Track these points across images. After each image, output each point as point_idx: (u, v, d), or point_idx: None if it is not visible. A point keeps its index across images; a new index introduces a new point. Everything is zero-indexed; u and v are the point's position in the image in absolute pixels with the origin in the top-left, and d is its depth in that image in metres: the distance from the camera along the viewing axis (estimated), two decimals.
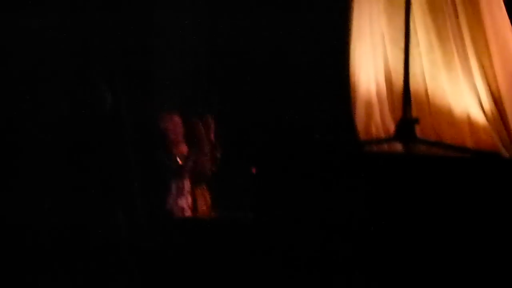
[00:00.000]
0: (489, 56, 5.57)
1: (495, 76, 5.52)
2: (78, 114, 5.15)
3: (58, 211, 5.03)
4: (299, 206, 4.87)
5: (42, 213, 4.96)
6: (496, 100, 5.49)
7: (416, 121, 5.17)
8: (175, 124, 5.53)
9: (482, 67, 5.55)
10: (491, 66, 5.56)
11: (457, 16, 5.58)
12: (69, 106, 5.12)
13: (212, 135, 5.65)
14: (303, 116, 5.90)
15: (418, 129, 5.26)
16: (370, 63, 5.67)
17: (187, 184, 5.50)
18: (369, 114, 5.62)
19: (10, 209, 4.86)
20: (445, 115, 5.51)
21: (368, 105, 5.63)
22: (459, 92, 5.55)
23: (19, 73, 4.95)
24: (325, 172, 4.84)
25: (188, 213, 5.49)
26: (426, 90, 5.57)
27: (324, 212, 4.82)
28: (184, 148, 5.55)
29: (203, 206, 5.57)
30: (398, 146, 5.27)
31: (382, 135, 5.50)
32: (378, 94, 5.64)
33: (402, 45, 5.40)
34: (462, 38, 5.59)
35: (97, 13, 5.16)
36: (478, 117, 5.47)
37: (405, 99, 5.14)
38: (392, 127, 5.49)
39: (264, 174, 5.08)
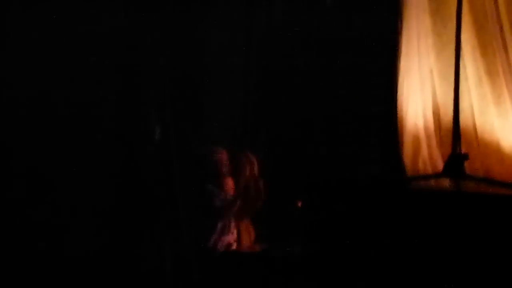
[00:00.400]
0: None
1: None
2: (127, 145, 5.16)
3: (106, 241, 5.03)
4: (345, 241, 4.79)
5: (91, 243, 4.96)
6: None
7: (466, 157, 5.10)
8: (221, 159, 5.50)
9: None
10: None
11: (506, 51, 5.55)
12: (118, 136, 5.14)
13: (258, 170, 5.59)
14: (350, 150, 5.90)
15: (466, 165, 5.18)
16: (418, 98, 5.70)
17: (232, 218, 5.45)
18: (416, 149, 5.64)
19: (60, 240, 4.87)
20: (494, 151, 5.48)
21: (416, 139, 5.65)
22: (508, 127, 5.52)
23: (68, 104, 4.95)
24: (372, 208, 4.75)
25: (232, 247, 5.45)
26: (475, 125, 5.55)
27: (370, 248, 4.73)
28: (230, 182, 5.53)
29: (247, 240, 5.53)
30: (446, 182, 5.20)
31: (430, 170, 5.49)
32: (426, 128, 5.66)
33: (451, 79, 5.37)
34: (511, 73, 5.56)
35: (148, 43, 5.19)
36: None
37: (455, 134, 5.10)
38: (439, 163, 5.49)
39: (311, 208, 5.01)
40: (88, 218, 4.92)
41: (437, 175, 5.24)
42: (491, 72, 5.55)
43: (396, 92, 5.68)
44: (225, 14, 5.93)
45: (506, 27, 5.56)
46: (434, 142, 5.60)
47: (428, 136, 5.61)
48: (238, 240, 5.50)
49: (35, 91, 4.74)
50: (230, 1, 5.98)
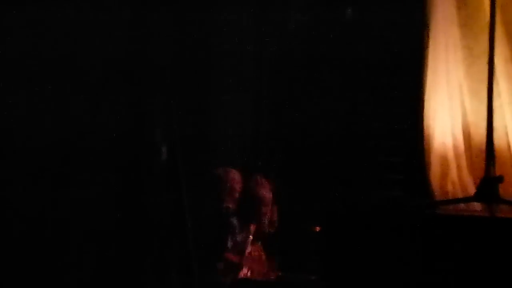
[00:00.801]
0: None
1: None
2: (133, 165, 5.04)
3: (107, 267, 4.93)
4: (366, 270, 4.64)
5: (94, 267, 4.89)
6: None
7: (501, 179, 4.91)
8: (234, 178, 5.33)
9: None
10: None
11: None
12: (123, 155, 5.02)
13: (271, 191, 5.40)
14: (371, 172, 5.73)
15: (500, 188, 4.98)
16: (446, 115, 5.51)
17: (243, 243, 5.28)
18: (445, 171, 5.46)
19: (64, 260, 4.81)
20: None
21: (444, 160, 5.46)
22: None
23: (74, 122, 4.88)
24: (395, 235, 4.62)
25: (243, 274, 5.25)
26: (509, 145, 5.37)
27: (394, 279, 4.58)
28: (241, 204, 5.32)
29: (260, 267, 5.35)
30: (478, 207, 5.07)
31: (460, 194, 5.34)
32: (455, 148, 5.47)
33: (482, 96, 5.23)
34: None
35: (154, 56, 5.11)
36: None
37: (488, 155, 4.94)
38: (470, 186, 5.32)
39: (329, 234, 4.94)
40: (89, 243, 4.86)
41: (468, 199, 5.09)
42: None
43: (423, 109, 5.54)
44: (236, 24, 5.81)
45: None
46: (464, 163, 5.43)
47: (457, 157, 5.45)
48: (251, 267, 5.31)
49: (36, 103, 4.75)
50: (241, 12, 5.84)
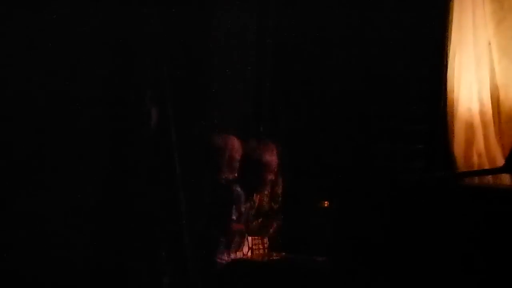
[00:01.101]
0: None
1: None
2: (121, 135, 4.82)
3: (100, 245, 4.69)
4: (381, 251, 4.19)
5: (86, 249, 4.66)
6: None
7: None
8: (233, 145, 5.09)
9: None
10: None
11: None
12: (111, 128, 4.82)
13: (275, 162, 5.16)
14: (389, 141, 5.65)
15: None
16: (473, 77, 5.46)
17: (241, 222, 5.07)
18: (470, 140, 5.44)
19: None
20: None
21: (469, 128, 5.44)
22: None
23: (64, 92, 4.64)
24: (415, 211, 4.21)
25: (243, 254, 5.08)
26: None
27: (412, 259, 4.11)
28: (242, 173, 5.08)
29: (259, 247, 5.17)
30: (507, 179, 4.88)
31: (487, 165, 5.32)
32: (482, 114, 5.43)
33: None
34: None
35: (149, 20, 4.88)
36: None
37: None
38: (499, 156, 5.27)
39: (339, 210, 4.45)
40: (78, 221, 4.63)
41: (496, 171, 4.94)
42: None
43: (446, 71, 5.47)
44: None
45: None
46: (492, 130, 5.39)
47: (484, 124, 5.40)
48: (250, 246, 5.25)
49: (21, 78, 4.50)
50: None
